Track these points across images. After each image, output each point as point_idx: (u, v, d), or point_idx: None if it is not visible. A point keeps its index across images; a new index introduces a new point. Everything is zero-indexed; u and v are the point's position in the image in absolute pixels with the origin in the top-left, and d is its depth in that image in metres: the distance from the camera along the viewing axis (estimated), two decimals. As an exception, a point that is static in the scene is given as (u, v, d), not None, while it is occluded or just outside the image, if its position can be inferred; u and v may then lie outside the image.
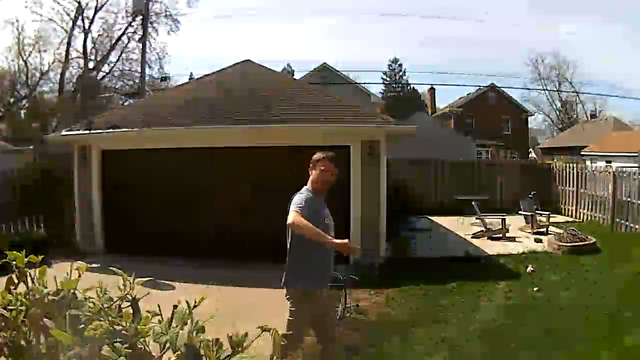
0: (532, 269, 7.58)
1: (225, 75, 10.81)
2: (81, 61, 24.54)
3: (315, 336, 3.62)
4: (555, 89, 44.71)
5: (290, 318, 3.40)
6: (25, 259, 1.33)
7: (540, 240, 9.63)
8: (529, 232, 10.66)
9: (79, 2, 23.33)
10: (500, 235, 10.21)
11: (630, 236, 10.03)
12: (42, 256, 1.38)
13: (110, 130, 8.60)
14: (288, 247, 3.46)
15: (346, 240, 3.22)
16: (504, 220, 10.37)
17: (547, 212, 11.19)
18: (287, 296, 3.45)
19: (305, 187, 3.49)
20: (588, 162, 20.00)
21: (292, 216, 3.16)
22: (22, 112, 26.35)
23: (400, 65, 49.87)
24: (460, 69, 70.06)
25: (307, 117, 8.41)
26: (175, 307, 1.21)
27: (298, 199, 3.34)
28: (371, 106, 19.78)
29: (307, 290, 3.37)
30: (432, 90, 39.38)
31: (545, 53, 49.86)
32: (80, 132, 8.85)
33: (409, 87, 49.92)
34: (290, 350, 3.40)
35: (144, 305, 1.30)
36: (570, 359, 4.43)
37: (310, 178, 3.51)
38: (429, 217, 11.20)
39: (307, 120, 8.31)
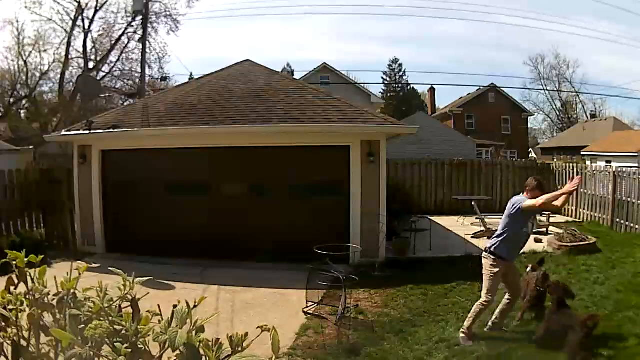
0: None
1: (225, 75, 10.82)
2: (81, 61, 24.57)
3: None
4: (555, 89, 44.77)
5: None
6: (25, 259, 1.33)
7: (540, 240, 9.62)
8: (529, 232, 10.64)
9: (79, 2, 23.36)
10: (500, 235, 10.18)
11: (630, 236, 10.03)
12: (42, 256, 1.38)
13: (110, 130, 8.61)
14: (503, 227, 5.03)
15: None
16: (504, 220, 10.34)
17: (547, 212, 11.17)
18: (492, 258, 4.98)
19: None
20: (588, 162, 19.98)
21: (537, 201, 4.81)
22: (22, 112, 26.37)
23: (400, 65, 49.84)
24: (460, 69, 70.02)
25: (307, 117, 8.41)
26: (175, 307, 1.21)
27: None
28: (371, 106, 19.78)
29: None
30: (432, 90, 39.38)
31: (545, 53, 50.06)
32: (80, 132, 8.85)
33: (409, 87, 49.90)
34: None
35: (144, 305, 1.30)
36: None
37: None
38: (429, 217, 11.20)
39: (307, 120, 8.31)
